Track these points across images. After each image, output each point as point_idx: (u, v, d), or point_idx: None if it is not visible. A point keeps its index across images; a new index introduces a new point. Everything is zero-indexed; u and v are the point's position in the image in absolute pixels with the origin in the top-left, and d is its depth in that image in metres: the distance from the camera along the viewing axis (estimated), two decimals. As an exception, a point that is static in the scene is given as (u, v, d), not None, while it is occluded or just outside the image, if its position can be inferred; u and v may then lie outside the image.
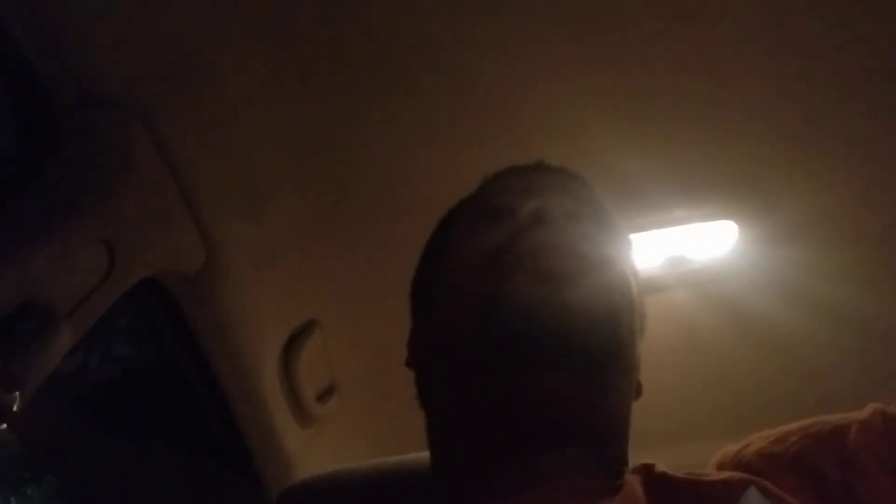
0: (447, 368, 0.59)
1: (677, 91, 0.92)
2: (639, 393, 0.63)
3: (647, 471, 0.55)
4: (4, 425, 0.62)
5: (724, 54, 0.89)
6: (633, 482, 0.53)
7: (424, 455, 0.64)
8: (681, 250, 1.15)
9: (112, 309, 0.76)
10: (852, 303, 1.10)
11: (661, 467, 0.55)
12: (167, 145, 0.81)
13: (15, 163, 0.77)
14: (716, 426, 1.16)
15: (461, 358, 0.57)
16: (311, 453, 1.11)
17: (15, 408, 0.60)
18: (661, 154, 0.99)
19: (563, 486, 0.52)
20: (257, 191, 0.95)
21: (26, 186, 0.73)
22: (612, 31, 0.87)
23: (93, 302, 0.72)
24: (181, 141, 0.83)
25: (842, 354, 1.18)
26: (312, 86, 0.91)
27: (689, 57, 0.89)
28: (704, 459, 0.61)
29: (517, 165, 0.70)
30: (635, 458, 0.58)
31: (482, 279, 0.56)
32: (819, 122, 0.96)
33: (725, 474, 0.53)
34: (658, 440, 1.02)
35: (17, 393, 0.60)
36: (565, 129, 0.95)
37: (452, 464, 0.58)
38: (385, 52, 0.89)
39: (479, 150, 0.83)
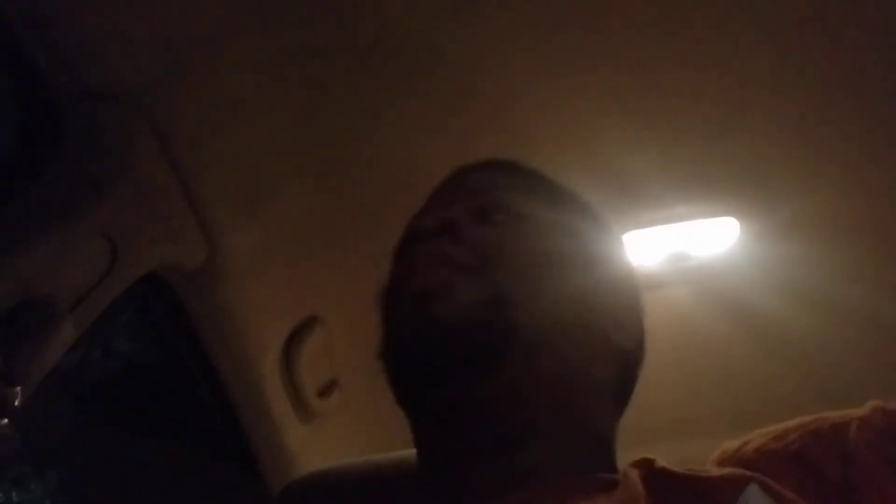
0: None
1: (679, 88, 0.92)
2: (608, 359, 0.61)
3: (647, 465, 0.54)
4: (6, 420, 0.62)
5: (726, 51, 0.89)
6: (633, 476, 0.53)
7: (425, 451, 0.64)
8: (682, 247, 1.15)
9: (114, 304, 0.76)
10: (853, 299, 1.10)
11: (661, 462, 0.55)
12: (169, 140, 0.81)
13: (16, 157, 0.77)
14: (716, 423, 1.16)
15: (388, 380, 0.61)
16: (312, 449, 1.11)
17: (17, 403, 0.60)
18: (663, 151, 0.99)
19: (551, 482, 0.52)
20: (259, 186, 0.95)
21: (28, 181, 0.73)
22: (614, 29, 0.87)
23: (95, 297, 0.72)
24: (183, 136, 0.83)
25: (843, 351, 1.18)
26: (315, 83, 0.91)
27: (690, 54, 0.89)
28: (704, 456, 0.60)
29: (456, 169, 0.71)
30: (635, 453, 0.58)
31: (383, 315, 0.61)
32: (820, 118, 0.95)
33: (726, 470, 0.53)
34: (658, 436, 1.02)
35: (19, 388, 0.61)
36: (567, 126, 0.95)
37: (431, 467, 0.59)
38: (387, 51, 0.88)
39: (481, 148, 0.83)
